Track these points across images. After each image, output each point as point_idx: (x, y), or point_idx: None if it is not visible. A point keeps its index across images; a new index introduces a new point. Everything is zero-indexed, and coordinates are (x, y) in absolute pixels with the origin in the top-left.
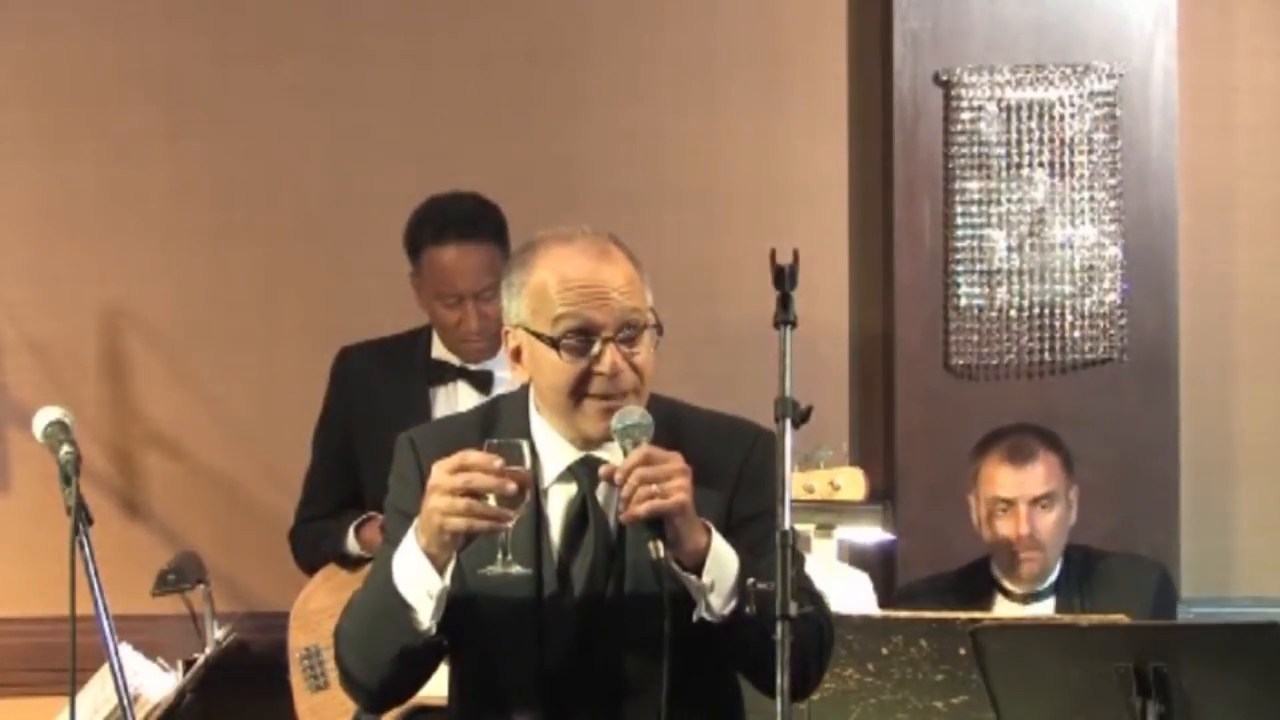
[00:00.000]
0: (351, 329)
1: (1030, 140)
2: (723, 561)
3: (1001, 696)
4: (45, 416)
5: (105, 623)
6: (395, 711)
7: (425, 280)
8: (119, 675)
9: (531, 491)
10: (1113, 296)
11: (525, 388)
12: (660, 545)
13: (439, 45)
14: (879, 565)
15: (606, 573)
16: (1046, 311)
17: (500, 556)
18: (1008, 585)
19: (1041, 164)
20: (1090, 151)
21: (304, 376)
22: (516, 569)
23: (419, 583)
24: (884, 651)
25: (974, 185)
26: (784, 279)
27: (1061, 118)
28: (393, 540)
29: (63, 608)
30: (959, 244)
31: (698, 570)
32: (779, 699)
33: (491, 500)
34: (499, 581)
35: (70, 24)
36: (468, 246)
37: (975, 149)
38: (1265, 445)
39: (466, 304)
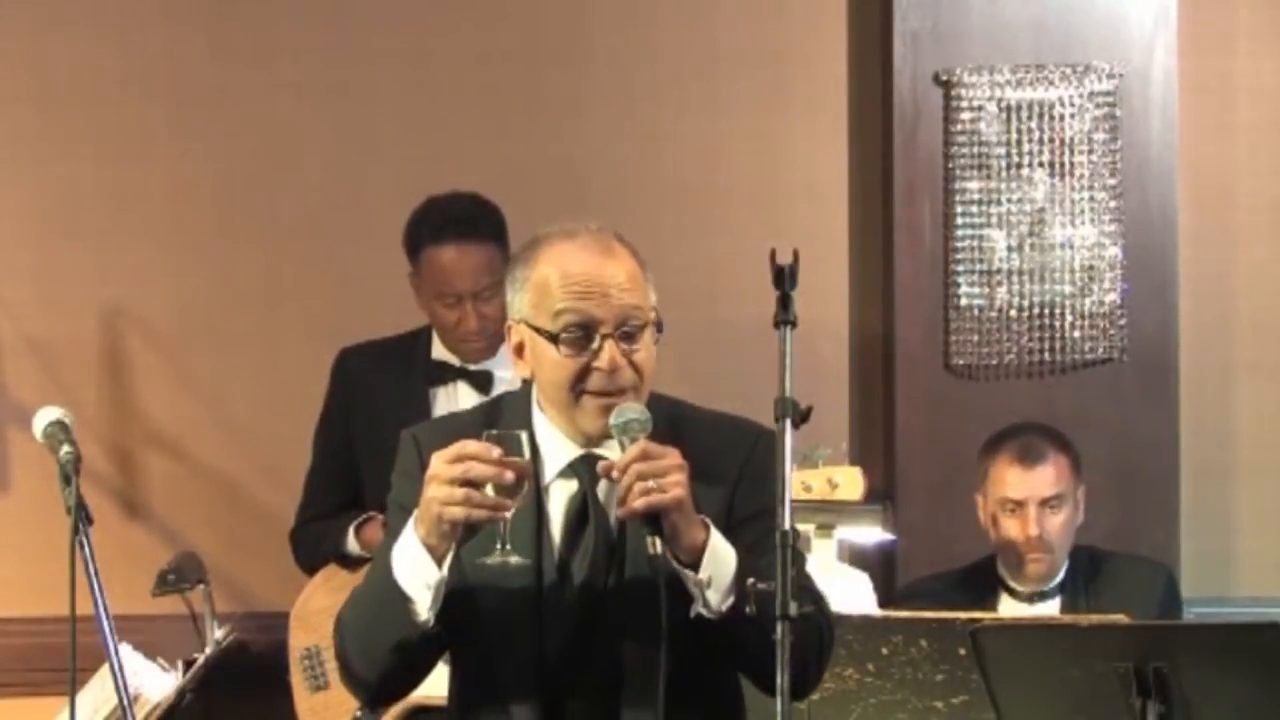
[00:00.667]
0: (351, 329)
1: (1030, 140)
2: (720, 558)
3: (1001, 696)
4: (45, 416)
5: (105, 623)
6: (395, 711)
7: (424, 280)
8: (119, 675)
9: (531, 482)
10: (1113, 296)
11: (528, 385)
12: (657, 541)
13: (439, 45)
14: (879, 565)
15: (606, 568)
16: (1046, 311)
17: (499, 546)
18: (1013, 585)
19: (1041, 164)
20: (1090, 151)
21: (304, 376)
22: (515, 559)
23: (417, 574)
24: (884, 651)
25: (974, 185)
26: (784, 279)
27: (1061, 118)
28: (394, 535)
29: (63, 608)
30: (959, 244)
31: (695, 566)
32: (779, 698)
33: (490, 490)
34: (499, 575)
35: (70, 24)
36: (467, 246)
37: (975, 149)
38: (1265, 445)
39: (466, 304)
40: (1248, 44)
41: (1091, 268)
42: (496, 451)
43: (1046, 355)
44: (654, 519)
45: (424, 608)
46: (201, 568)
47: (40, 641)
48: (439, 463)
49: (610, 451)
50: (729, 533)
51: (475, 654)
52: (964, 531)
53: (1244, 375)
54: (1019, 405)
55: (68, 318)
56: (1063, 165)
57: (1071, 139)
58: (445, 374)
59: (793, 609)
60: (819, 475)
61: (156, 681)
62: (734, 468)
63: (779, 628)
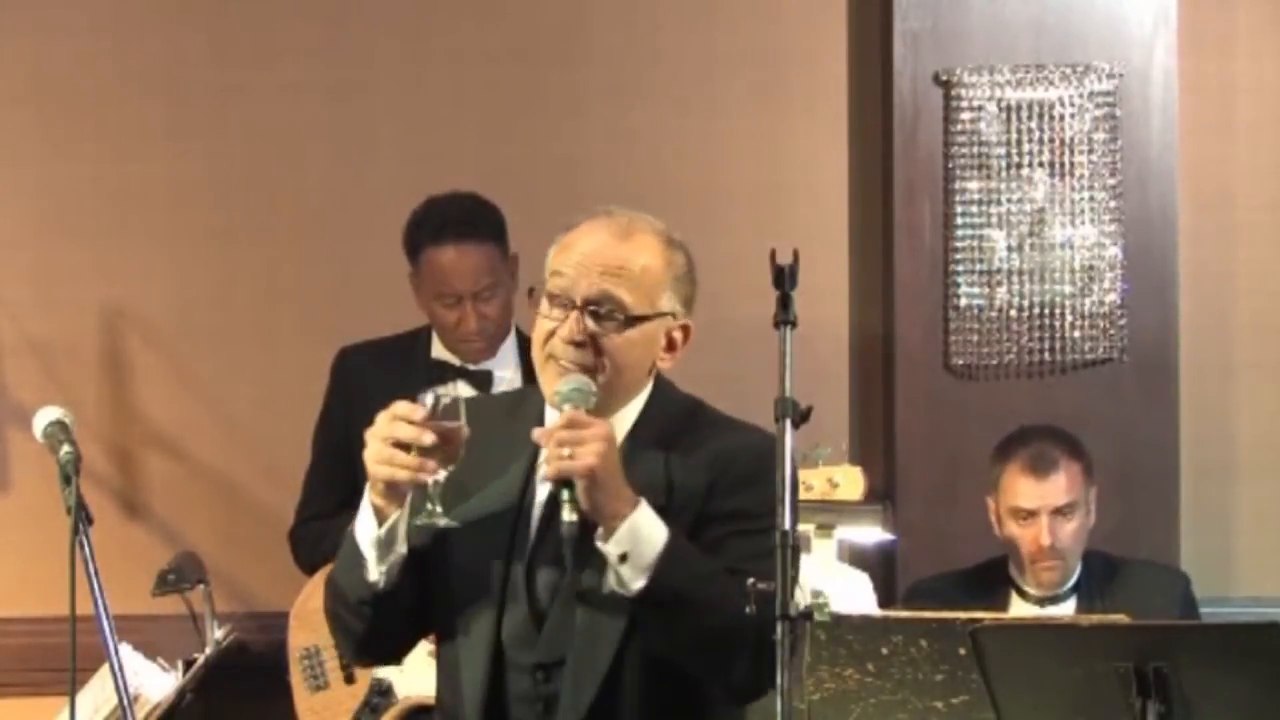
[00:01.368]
0: (351, 329)
1: (1030, 140)
2: (641, 537)
3: (1001, 696)
4: (45, 416)
5: (105, 623)
6: (395, 711)
7: (424, 280)
8: (119, 675)
9: (463, 448)
10: (1113, 296)
11: None
12: (567, 508)
13: (439, 45)
14: (879, 565)
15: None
16: (1046, 311)
17: (427, 507)
18: (1025, 587)
19: (1041, 164)
20: (1090, 151)
21: (304, 376)
22: (443, 522)
23: (364, 532)
24: (884, 651)
25: (974, 185)
26: (784, 279)
27: (1061, 118)
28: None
29: (63, 608)
30: (959, 244)
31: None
32: (778, 698)
33: (415, 452)
34: (474, 549)
35: (70, 24)
36: (466, 247)
37: (975, 149)
38: (1265, 445)
39: (465, 304)
40: (1248, 44)
41: (1091, 268)
42: (420, 413)
43: (1046, 355)
44: (570, 486)
45: (372, 567)
46: (201, 568)
47: (40, 641)
48: (379, 420)
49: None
50: (701, 520)
51: (445, 626)
52: (964, 531)
53: (1244, 375)
54: (1019, 405)
55: (68, 318)
56: (1063, 165)
57: (1071, 139)
58: (445, 374)
59: (792, 609)
60: (819, 475)
61: (156, 681)
62: (722, 461)
63: (779, 628)
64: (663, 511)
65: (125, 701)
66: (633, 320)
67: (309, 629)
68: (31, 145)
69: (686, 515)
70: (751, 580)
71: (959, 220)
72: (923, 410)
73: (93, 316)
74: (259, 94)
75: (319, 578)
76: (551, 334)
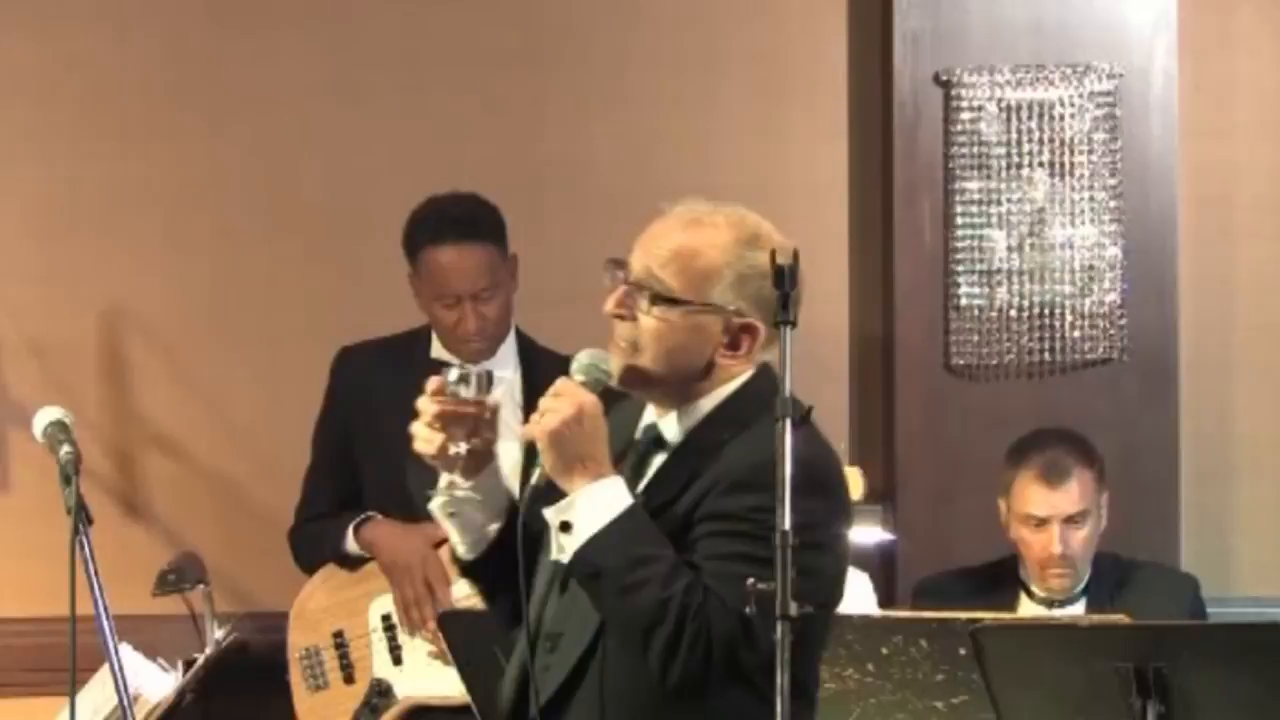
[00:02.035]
0: (351, 329)
1: (1030, 140)
2: (585, 512)
3: (1001, 696)
4: (45, 416)
5: (105, 623)
6: (395, 711)
7: (424, 281)
8: (119, 675)
9: (482, 420)
10: (1113, 296)
11: None
12: (537, 471)
13: (438, 45)
14: (879, 565)
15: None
16: (1046, 311)
17: (448, 478)
18: (1034, 588)
19: (1041, 164)
20: (1090, 151)
21: (304, 376)
22: (461, 493)
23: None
24: (884, 651)
25: (974, 185)
26: (784, 279)
27: (1061, 118)
28: None
29: (63, 608)
30: (959, 244)
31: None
32: (778, 698)
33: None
34: (531, 532)
35: (70, 24)
36: (465, 247)
37: (975, 149)
38: (1265, 445)
39: (465, 304)
40: (1248, 44)
41: (1091, 268)
42: (431, 386)
43: (1046, 355)
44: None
45: (454, 537)
46: (201, 568)
47: (40, 641)
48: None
49: (667, 427)
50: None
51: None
52: (964, 531)
53: (1244, 375)
54: (1019, 405)
55: (68, 318)
56: (1063, 165)
57: (1071, 139)
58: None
59: (792, 609)
60: None
61: (156, 681)
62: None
63: (778, 628)
64: (668, 505)
65: (125, 701)
66: (666, 301)
67: (309, 629)
68: (31, 145)
69: (691, 513)
70: (751, 580)
71: (959, 220)
72: (923, 410)
73: (93, 316)
74: (259, 94)
75: (318, 578)
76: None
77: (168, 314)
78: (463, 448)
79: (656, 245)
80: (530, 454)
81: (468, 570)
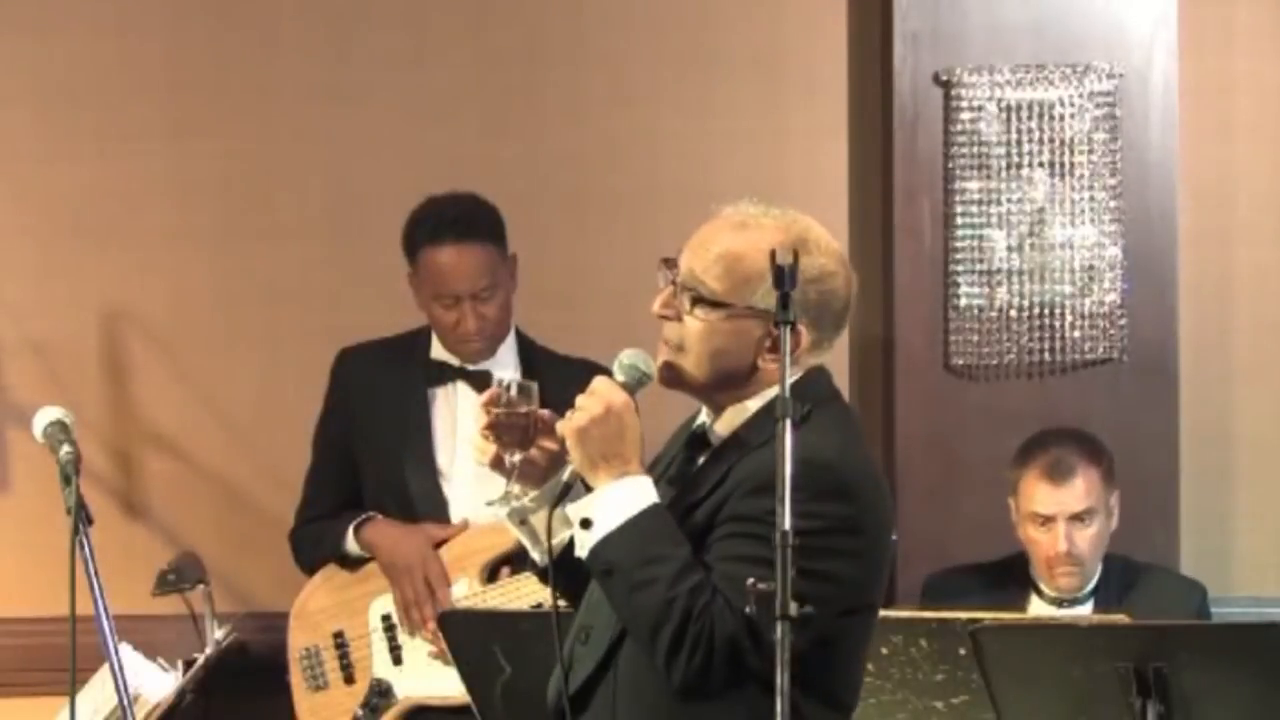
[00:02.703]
0: (351, 329)
1: (1030, 140)
2: (605, 509)
3: (1001, 696)
4: (45, 416)
5: (105, 623)
6: (395, 711)
7: (423, 281)
8: (119, 675)
9: (533, 430)
10: (1113, 296)
11: None
12: (567, 470)
13: (439, 45)
14: None
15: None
16: (1046, 311)
17: (508, 489)
18: (1044, 588)
19: (1041, 164)
20: (1090, 151)
21: (304, 376)
22: (516, 503)
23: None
24: (884, 651)
25: (974, 185)
26: (784, 279)
27: (1061, 118)
28: None
29: (63, 608)
30: (959, 244)
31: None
32: (778, 698)
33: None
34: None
35: (70, 24)
36: (464, 247)
37: (975, 149)
38: (1265, 445)
39: (464, 305)
40: (1248, 44)
41: (1091, 268)
42: (484, 398)
43: (1046, 355)
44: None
45: (530, 547)
46: (201, 568)
47: (40, 641)
48: None
49: (715, 428)
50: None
51: None
52: (964, 531)
53: (1244, 376)
54: (1019, 405)
55: (68, 318)
56: (1063, 165)
57: (1071, 139)
58: (445, 374)
59: (793, 609)
60: None
61: (156, 681)
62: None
63: (778, 628)
64: (697, 505)
65: (125, 701)
66: (708, 303)
67: (309, 629)
68: (31, 145)
69: (715, 513)
70: (751, 580)
71: (959, 220)
72: (923, 410)
73: (93, 316)
74: (259, 94)
75: (319, 578)
76: None
77: (168, 314)
78: (517, 457)
79: (704, 247)
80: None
81: (544, 576)
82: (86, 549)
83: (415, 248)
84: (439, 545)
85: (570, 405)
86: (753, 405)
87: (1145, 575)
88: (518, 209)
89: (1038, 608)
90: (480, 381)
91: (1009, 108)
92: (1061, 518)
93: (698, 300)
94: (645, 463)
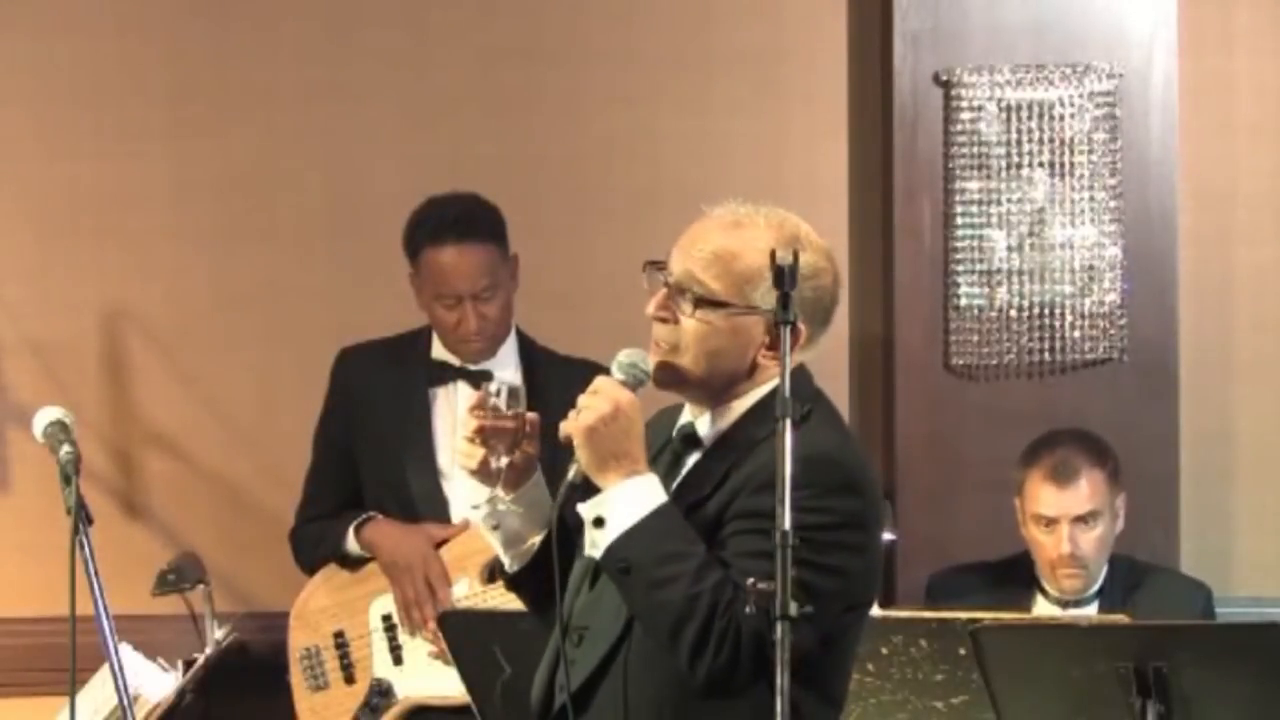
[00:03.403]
0: (351, 329)
1: (1030, 140)
2: (618, 507)
3: (1001, 696)
4: (45, 416)
5: (105, 623)
6: (395, 711)
7: (424, 281)
8: (119, 675)
9: (521, 434)
10: (1113, 296)
11: None
12: (574, 468)
13: (439, 45)
14: None
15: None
16: (1046, 311)
17: (491, 492)
18: (1049, 588)
19: (1041, 164)
20: (1090, 151)
21: (304, 376)
22: (503, 506)
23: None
24: (884, 651)
25: (974, 185)
26: (784, 279)
27: (1061, 118)
28: None
29: (63, 608)
30: (959, 244)
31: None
32: (778, 698)
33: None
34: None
35: (70, 23)
36: (465, 247)
37: (975, 149)
38: (1265, 445)
39: (465, 305)
40: (1248, 44)
41: (1091, 268)
42: (472, 402)
43: (1046, 355)
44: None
45: (500, 551)
46: (201, 568)
47: (40, 641)
48: None
49: (703, 426)
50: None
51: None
52: (964, 531)
53: (1244, 375)
54: (1019, 405)
55: (68, 318)
56: (1063, 165)
57: (1071, 139)
58: (445, 374)
59: (793, 609)
60: None
61: (156, 681)
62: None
63: (778, 628)
64: (700, 503)
65: (125, 701)
66: (709, 303)
67: (309, 629)
68: (31, 145)
69: (723, 511)
70: (751, 580)
71: (959, 220)
72: (923, 410)
73: (93, 316)
74: (260, 94)
75: (319, 578)
76: None
77: (168, 314)
78: (504, 461)
79: (697, 247)
80: (568, 450)
81: (512, 582)
82: (86, 549)
83: (416, 248)
84: (439, 545)
85: (571, 405)
86: (745, 403)
87: (1150, 576)
88: (518, 209)
89: (1043, 608)
90: (481, 381)
91: (1009, 108)
92: (1065, 520)
93: (700, 301)
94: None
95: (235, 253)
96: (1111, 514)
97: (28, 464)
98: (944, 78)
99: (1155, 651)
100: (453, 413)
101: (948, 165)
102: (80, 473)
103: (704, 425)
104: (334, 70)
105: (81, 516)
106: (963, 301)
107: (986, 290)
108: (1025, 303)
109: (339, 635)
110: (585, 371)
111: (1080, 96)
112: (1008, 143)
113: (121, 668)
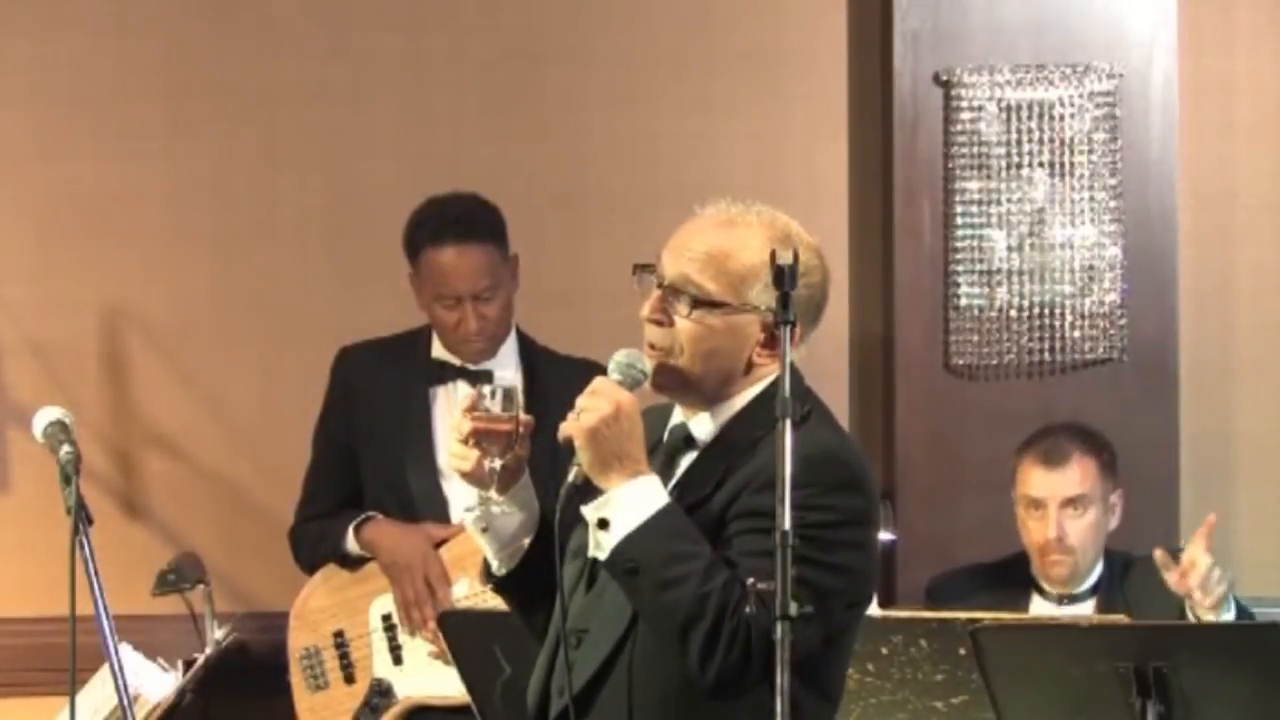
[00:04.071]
0: (351, 329)
1: (1030, 140)
2: (622, 508)
3: (1001, 696)
4: (45, 416)
5: (105, 623)
6: (395, 711)
7: (424, 281)
8: (119, 675)
9: (516, 436)
10: (1113, 296)
11: None
12: (575, 470)
13: (439, 45)
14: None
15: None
16: (1046, 311)
17: (484, 494)
18: (1045, 585)
19: (1041, 164)
20: (1090, 151)
21: (304, 376)
22: (497, 508)
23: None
24: (884, 651)
25: (974, 185)
26: (784, 279)
27: (1061, 118)
28: None
29: (63, 608)
30: (959, 244)
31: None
32: (778, 698)
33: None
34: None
35: (70, 24)
36: (466, 247)
37: (975, 149)
38: (1265, 445)
39: (465, 305)
40: (1248, 44)
41: (1091, 268)
42: (465, 404)
43: (1046, 355)
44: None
45: (490, 555)
46: (201, 568)
47: (40, 641)
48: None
49: (697, 426)
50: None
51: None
52: (964, 531)
53: (1244, 376)
54: (1019, 405)
55: (68, 318)
56: (1063, 165)
57: (1071, 139)
58: (445, 373)
59: (793, 609)
60: None
61: (156, 681)
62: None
63: (778, 628)
64: (701, 503)
65: (125, 701)
66: (705, 304)
67: (309, 629)
68: (31, 145)
69: (725, 511)
70: (751, 580)
71: (959, 220)
72: (923, 410)
73: (93, 316)
74: (259, 94)
75: (319, 578)
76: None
77: (168, 314)
78: (497, 463)
79: (690, 248)
80: (567, 452)
81: (500, 584)
82: (86, 549)
83: (417, 248)
84: (439, 545)
85: (571, 405)
86: (740, 402)
87: (1141, 562)
88: (518, 209)
89: (1039, 606)
90: (481, 381)
91: (1009, 108)
92: (1053, 503)
93: (696, 302)
94: None
95: (235, 253)
96: (1104, 505)
97: (28, 464)
98: (944, 78)
99: (1155, 651)
100: (452, 412)
101: (948, 165)
102: (80, 473)
103: (699, 425)
104: (334, 70)
105: (81, 516)
106: (963, 301)
107: (986, 290)
108: (1025, 303)
109: (339, 635)
110: (585, 371)
111: (1080, 96)
112: (1008, 143)
113: (121, 668)
